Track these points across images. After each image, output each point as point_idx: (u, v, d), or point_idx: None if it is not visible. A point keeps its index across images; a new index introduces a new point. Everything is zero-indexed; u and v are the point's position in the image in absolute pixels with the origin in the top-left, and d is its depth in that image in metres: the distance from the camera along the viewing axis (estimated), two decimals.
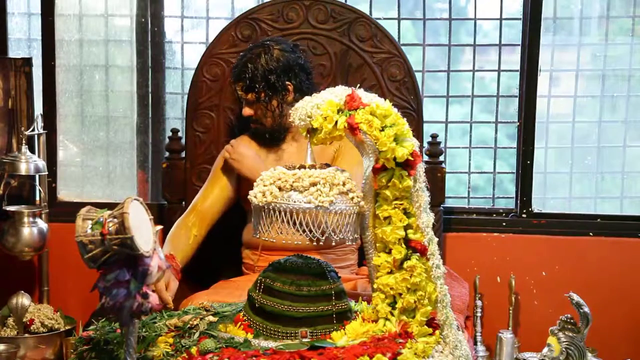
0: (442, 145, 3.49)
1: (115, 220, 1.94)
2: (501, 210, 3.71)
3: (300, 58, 3.08)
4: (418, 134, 3.21)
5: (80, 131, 3.84)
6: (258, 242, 3.02)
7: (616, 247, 3.62)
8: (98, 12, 3.79)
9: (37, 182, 3.50)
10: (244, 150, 3.07)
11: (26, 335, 3.26)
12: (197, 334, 2.25)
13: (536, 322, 3.57)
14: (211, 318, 2.34)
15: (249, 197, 2.25)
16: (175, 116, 3.81)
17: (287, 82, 3.01)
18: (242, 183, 3.10)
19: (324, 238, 2.19)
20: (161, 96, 3.79)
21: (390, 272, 2.25)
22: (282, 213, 2.17)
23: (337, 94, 2.26)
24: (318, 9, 3.36)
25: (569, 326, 2.45)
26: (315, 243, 2.18)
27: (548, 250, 3.64)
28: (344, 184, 2.22)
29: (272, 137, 3.08)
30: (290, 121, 2.34)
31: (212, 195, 3.10)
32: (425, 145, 3.43)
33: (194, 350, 2.16)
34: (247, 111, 3.06)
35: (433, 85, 3.77)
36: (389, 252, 2.25)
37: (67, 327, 3.34)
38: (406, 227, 2.25)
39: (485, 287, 3.61)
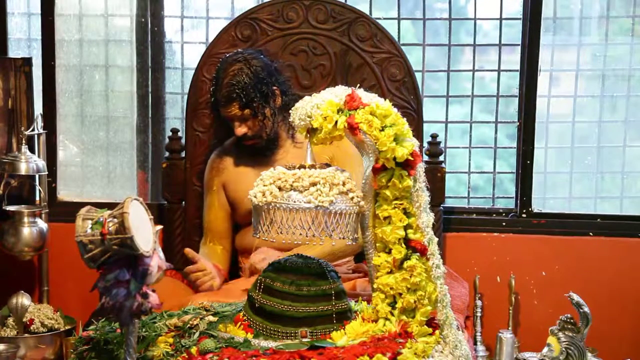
0: (442, 145, 3.49)
1: (115, 220, 1.94)
2: (501, 210, 3.71)
3: (273, 61, 3.12)
4: (418, 134, 3.21)
5: (80, 131, 3.83)
6: (250, 247, 3.05)
7: (616, 247, 3.62)
8: (98, 12, 3.79)
9: (37, 182, 3.50)
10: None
11: (26, 335, 3.26)
12: (197, 334, 2.25)
13: (536, 322, 3.57)
14: (211, 318, 2.34)
15: (248, 196, 2.25)
16: (175, 116, 3.81)
17: (274, 87, 3.02)
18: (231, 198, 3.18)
19: (324, 238, 2.19)
20: (161, 96, 3.79)
21: (390, 272, 2.25)
22: (282, 213, 2.17)
23: (337, 94, 2.26)
24: (318, 8, 3.36)
25: (569, 326, 2.45)
26: (315, 243, 2.18)
27: (548, 250, 3.64)
28: (344, 184, 2.22)
29: (269, 147, 3.08)
30: (289, 121, 2.34)
31: (220, 217, 3.21)
32: (425, 145, 3.43)
33: (194, 350, 2.17)
34: (242, 129, 3.02)
35: (433, 85, 3.77)
36: (389, 252, 2.25)
37: (67, 327, 3.34)
38: (406, 227, 2.25)
39: (485, 287, 3.61)
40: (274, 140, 3.08)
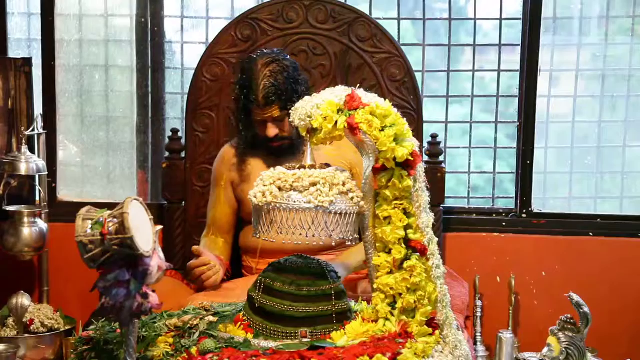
0: (442, 145, 3.50)
1: (115, 220, 1.94)
2: (501, 210, 3.71)
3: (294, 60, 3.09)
4: (418, 134, 3.21)
5: (80, 131, 3.84)
6: (255, 246, 3.04)
7: (616, 247, 3.62)
8: (98, 12, 3.79)
9: (37, 182, 3.50)
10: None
11: (26, 335, 3.26)
12: (197, 334, 2.25)
13: (536, 322, 3.57)
14: (211, 318, 2.34)
15: (248, 197, 2.25)
16: (175, 116, 3.81)
17: (303, 88, 2.97)
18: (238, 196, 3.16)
19: (324, 238, 2.19)
20: (161, 96, 3.79)
21: (390, 272, 2.25)
22: (282, 213, 2.17)
23: (337, 94, 2.26)
24: (318, 9, 3.36)
25: (569, 326, 2.45)
26: (315, 243, 2.18)
27: (548, 250, 3.64)
28: (344, 184, 2.22)
29: (296, 147, 3.00)
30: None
31: (225, 213, 3.15)
32: (425, 145, 3.43)
33: (193, 350, 2.17)
34: (275, 130, 2.94)
35: (433, 85, 3.77)
36: (389, 252, 2.25)
37: (67, 327, 3.34)
38: (406, 227, 2.25)
39: (485, 287, 3.61)
40: (299, 141, 2.98)
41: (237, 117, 3.06)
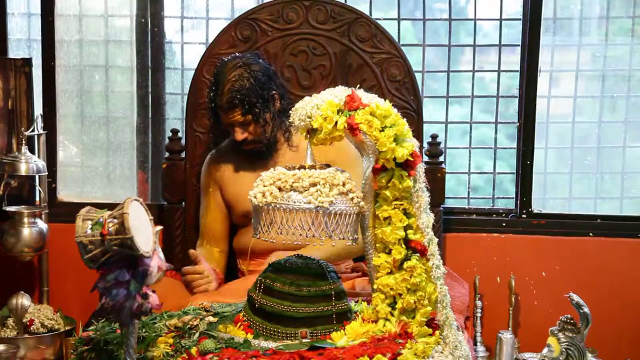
0: (442, 145, 3.49)
1: (115, 220, 1.94)
2: (501, 211, 3.71)
3: (270, 65, 3.13)
4: (418, 134, 3.21)
5: (80, 131, 3.83)
6: (247, 249, 3.06)
7: (616, 247, 3.62)
8: (98, 13, 3.79)
9: (37, 183, 3.50)
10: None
11: (26, 335, 3.26)
12: (197, 335, 2.25)
13: (536, 322, 3.57)
14: (211, 318, 2.34)
15: (248, 197, 2.25)
16: (175, 116, 3.81)
17: (273, 92, 3.02)
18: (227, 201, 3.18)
19: (324, 239, 2.19)
20: (161, 96, 3.79)
21: (390, 273, 2.25)
22: (282, 213, 2.17)
23: (337, 94, 2.26)
24: (318, 9, 3.36)
25: (569, 326, 2.46)
26: (315, 244, 2.18)
27: (548, 251, 3.64)
28: (344, 184, 2.22)
29: (267, 150, 3.07)
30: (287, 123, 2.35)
31: (216, 219, 3.20)
32: (425, 145, 3.43)
33: (193, 350, 2.17)
34: (242, 135, 3.01)
35: (433, 86, 3.77)
36: (389, 253, 2.26)
37: (67, 328, 3.34)
38: (406, 228, 2.25)
39: (485, 287, 3.61)
40: (272, 143, 3.07)
41: (209, 119, 3.16)
